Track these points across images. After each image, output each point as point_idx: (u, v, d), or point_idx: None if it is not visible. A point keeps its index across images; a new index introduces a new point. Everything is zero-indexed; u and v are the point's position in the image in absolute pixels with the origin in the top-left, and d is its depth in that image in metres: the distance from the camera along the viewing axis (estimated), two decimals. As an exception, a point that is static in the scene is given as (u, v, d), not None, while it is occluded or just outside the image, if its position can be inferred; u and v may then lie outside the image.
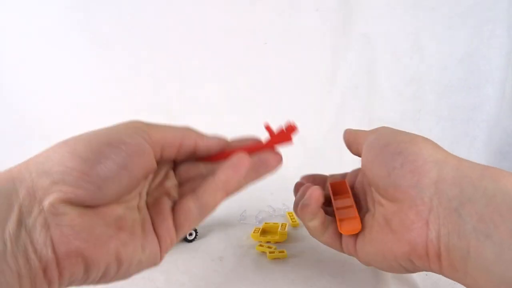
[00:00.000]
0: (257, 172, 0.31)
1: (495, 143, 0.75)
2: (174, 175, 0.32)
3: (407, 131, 0.31)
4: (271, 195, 0.67)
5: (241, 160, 0.29)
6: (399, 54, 0.78)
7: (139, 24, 0.87)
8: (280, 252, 0.42)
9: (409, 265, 0.27)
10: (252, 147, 0.32)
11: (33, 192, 0.22)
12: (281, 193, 0.67)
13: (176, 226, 0.28)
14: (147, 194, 0.29)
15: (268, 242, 0.46)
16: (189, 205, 0.28)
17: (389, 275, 0.37)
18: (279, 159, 0.32)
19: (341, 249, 0.33)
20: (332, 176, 0.42)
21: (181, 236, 0.29)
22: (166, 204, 0.29)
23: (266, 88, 0.85)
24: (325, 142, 0.83)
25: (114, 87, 0.92)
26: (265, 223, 0.51)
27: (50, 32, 0.90)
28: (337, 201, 0.36)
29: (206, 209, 0.29)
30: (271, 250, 0.43)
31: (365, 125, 0.79)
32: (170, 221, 0.28)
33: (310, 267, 0.40)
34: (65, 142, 0.25)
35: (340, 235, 0.33)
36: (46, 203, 0.22)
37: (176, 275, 0.38)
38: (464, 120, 0.76)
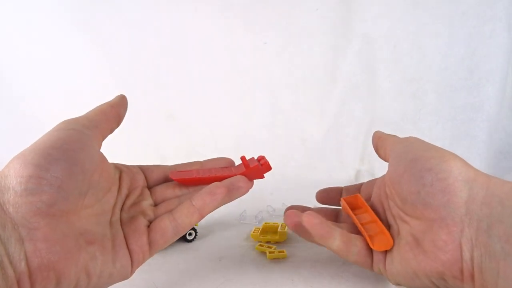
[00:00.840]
0: (229, 196, 0.33)
1: (495, 143, 0.75)
2: (150, 194, 0.34)
3: (437, 146, 0.31)
4: (270, 195, 0.67)
5: (218, 189, 0.31)
6: (399, 54, 0.78)
7: (139, 24, 0.87)
8: (280, 252, 0.42)
9: (441, 283, 0.27)
10: (225, 176, 0.34)
11: (2, 208, 0.23)
12: (281, 193, 0.67)
13: (151, 243, 0.30)
14: (122, 210, 0.31)
15: (268, 242, 0.46)
16: (166, 224, 0.30)
17: None
18: (250, 184, 0.34)
19: (372, 268, 0.32)
20: (347, 187, 0.42)
21: (154, 253, 0.31)
22: (142, 222, 0.31)
23: (266, 88, 0.85)
24: (325, 142, 0.83)
25: (114, 87, 0.92)
26: (265, 223, 0.51)
27: (50, 32, 0.91)
28: (358, 215, 0.35)
29: (181, 230, 0.31)
30: (271, 250, 0.43)
31: (365, 126, 0.80)
32: (144, 238, 0.30)
33: (310, 267, 0.40)
34: (16, 157, 0.26)
35: (371, 252, 0.32)
36: (18, 216, 0.23)
37: (176, 275, 0.38)
38: (464, 120, 0.76)
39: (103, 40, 0.89)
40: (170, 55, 0.88)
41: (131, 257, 0.29)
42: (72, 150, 0.26)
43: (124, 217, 0.31)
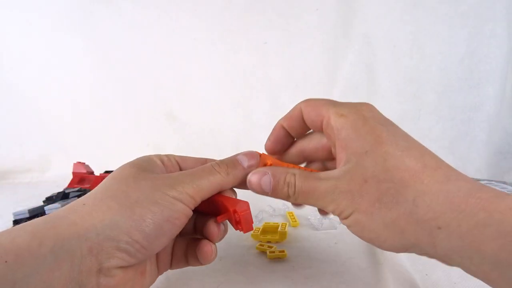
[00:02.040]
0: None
1: (495, 143, 0.75)
2: None
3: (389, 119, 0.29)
4: None
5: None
6: (399, 54, 0.78)
7: (139, 23, 0.87)
8: (280, 251, 0.42)
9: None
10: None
11: (97, 252, 0.24)
12: None
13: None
14: None
15: (268, 241, 0.46)
16: None
17: (389, 276, 0.37)
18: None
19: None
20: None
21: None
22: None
23: (266, 87, 0.85)
24: None
25: (113, 86, 0.93)
26: (265, 222, 0.50)
27: (48, 31, 0.91)
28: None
29: None
30: (271, 249, 0.43)
31: None
32: (169, 258, 0.33)
33: (310, 267, 0.40)
34: (130, 208, 0.26)
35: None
36: (106, 265, 0.25)
37: (176, 275, 0.38)
38: (464, 120, 0.76)
39: (102, 39, 0.90)
40: (170, 54, 0.88)
41: (158, 270, 0.33)
42: (178, 226, 0.29)
43: None
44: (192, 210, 0.29)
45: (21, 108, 0.95)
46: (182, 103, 0.90)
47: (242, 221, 0.30)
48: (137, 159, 0.31)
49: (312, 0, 0.79)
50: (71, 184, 0.67)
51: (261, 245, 0.45)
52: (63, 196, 0.60)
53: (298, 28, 0.81)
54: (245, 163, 0.32)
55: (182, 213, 0.28)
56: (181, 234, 0.33)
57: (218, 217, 0.32)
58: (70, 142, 0.98)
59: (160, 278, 0.38)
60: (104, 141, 0.93)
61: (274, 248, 0.43)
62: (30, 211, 0.53)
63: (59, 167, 0.96)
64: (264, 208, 0.59)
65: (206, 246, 0.32)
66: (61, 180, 0.71)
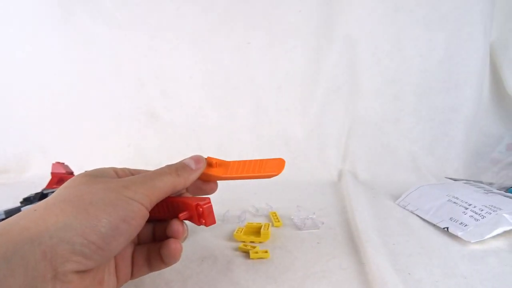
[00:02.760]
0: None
1: (472, 144, 0.77)
2: None
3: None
4: (254, 195, 0.67)
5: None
6: (380, 56, 0.79)
7: (119, 23, 0.86)
8: (263, 252, 0.42)
9: None
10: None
11: (51, 257, 0.23)
12: (264, 193, 0.68)
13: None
14: None
15: (251, 242, 0.46)
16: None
17: (372, 275, 0.37)
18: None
19: None
20: None
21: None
22: (129, 248, 0.33)
23: (249, 87, 0.85)
24: (308, 142, 0.83)
25: (93, 85, 0.91)
26: (248, 223, 0.50)
27: (27, 31, 0.90)
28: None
29: None
30: (254, 250, 0.43)
31: (347, 126, 0.81)
32: (129, 268, 0.32)
33: (293, 267, 0.40)
34: (85, 210, 0.25)
35: None
36: (61, 270, 0.23)
37: (158, 277, 0.38)
38: (443, 121, 0.78)
39: (82, 37, 0.88)
40: (152, 54, 0.87)
41: (117, 282, 0.31)
42: (135, 227, 0.28)
43: None
44: (151, 216, 0.30)
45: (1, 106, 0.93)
46: (164, 103, 0.89)
47: (205, 214, 0.31)
48: (90, 170, 0.31)
49: (295, 1, 0.79)
50: (49, 185, 0.65)
51: (244, 245, 0.44)
52: (41, 197, 0.58)
53: (281, 28, 0.81)
54: (193, 165, 0.34)
55: (138, 213, 0.27)
56: (140, 243, 0.34)
57: (180, 215, 0.32)
58: (49, 142, 0.96)
59: (142, 279, 0.37)
60: (84, 141, 0.92)
61: (257, 249, 0.43)
62: (6, 212, 0.51)
63: (37, 168, 0.94)
64: (247, 208, 0.59)
65: (173, 243, 0.31)
66: (40, 181, 0.70)
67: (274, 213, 0.56)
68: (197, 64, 0.86)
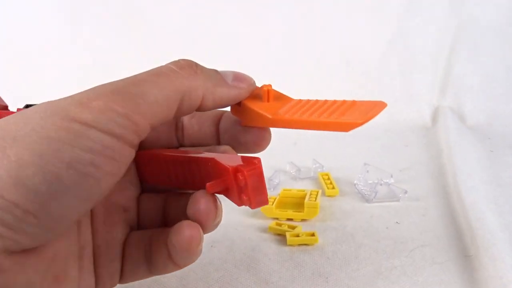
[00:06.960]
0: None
1: None
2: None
3: None
4: (294, 145, 0.68)
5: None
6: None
7: (123, 15, 1.01)
8: (308, 235, 0.42)
9: None
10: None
11: None
12: (311, 143, 0.68)
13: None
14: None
15: (289, 219, 0.46)
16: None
17: (485, 273, 0.37)
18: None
19: None
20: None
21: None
22: (119, 231, 0.32)
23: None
24: (383, 60, 0.85)
25: (94, 76, 1.02)
26: (284, 189, 0.51)
27: (31, 23, 1.04)
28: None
29: None
30: (294, 232, 0.43)
31: (451, 32, 0.87)
32: (118, 263, 0.31)
33: (356, 260, 0.40)
34: (2, 149, 0.23)
35: None
36: None
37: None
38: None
39: (84, 29, 1.04)
40: (151, 44, 0.99)
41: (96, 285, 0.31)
42: (100, 174, 0.27)
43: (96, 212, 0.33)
44: (159, 183, 0.29)
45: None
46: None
47: (250, 186, 0.28)
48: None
49: None
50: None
51: (277, 224, 0.45)
52: None
53: None
54: (230, 78, 0.31)
55: (106, 150, 0.24)
56: (141, 227, 0.33)
57: (209, 184, 0.29)
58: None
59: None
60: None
61: (298, 230, 0.43)
62: None
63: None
64: (282, 166, 0.59)
65: (188, 228, 0.28)
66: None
67: (327, 174, 0.56)
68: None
